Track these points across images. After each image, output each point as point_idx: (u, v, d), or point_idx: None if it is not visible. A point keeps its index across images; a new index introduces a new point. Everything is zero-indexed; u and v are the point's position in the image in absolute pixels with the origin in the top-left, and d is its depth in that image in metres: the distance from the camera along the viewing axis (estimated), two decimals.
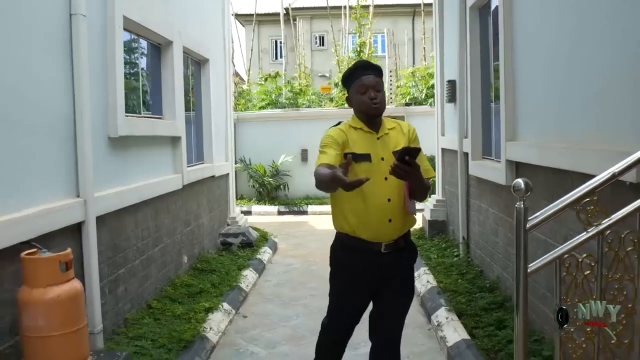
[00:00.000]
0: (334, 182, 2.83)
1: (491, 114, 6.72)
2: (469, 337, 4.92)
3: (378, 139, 3.33)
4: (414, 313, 6.05)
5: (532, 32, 4.98)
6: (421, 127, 14.66)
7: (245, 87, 20.80)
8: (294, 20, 28.43)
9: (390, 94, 17.79)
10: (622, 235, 2.95)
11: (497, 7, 5.90)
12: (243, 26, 31.45)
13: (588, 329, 3.03)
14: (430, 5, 10.78)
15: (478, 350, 4.65)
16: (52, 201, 4.12)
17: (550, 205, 2.91)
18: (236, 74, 24.67)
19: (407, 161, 2.89)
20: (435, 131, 9.85)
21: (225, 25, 10.01)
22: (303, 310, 6.38)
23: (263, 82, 18.41)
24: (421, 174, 3.12)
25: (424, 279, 6.83)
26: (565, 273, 2.98)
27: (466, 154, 7.39)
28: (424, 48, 21.51)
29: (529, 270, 2.92)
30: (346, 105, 12.51)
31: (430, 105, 13.83)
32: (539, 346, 4.29)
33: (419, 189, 3.23)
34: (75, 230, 4.45)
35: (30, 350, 3.43)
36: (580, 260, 2.98)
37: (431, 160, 10.25)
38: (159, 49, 6.75)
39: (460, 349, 4.74)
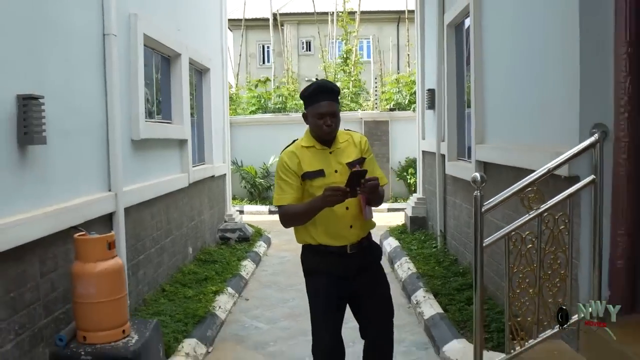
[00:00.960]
0: (332, 199, 3.20)
1: (465, 119, 7.56)
2: (442, 312, 5.76)
3: (330, 153, 3.51)
4: (396, 295, 6.83)
5: (496, 52, 5.83)
6: (404, 131, 15.43)
7: (233, 90, 21.47)
8: (282, 25, 29.18)
9: (376, 99, 18.60)
10: (556, 217, 3.80)
11: (469, 27, 6.74)
12: (231, 31, 32.09)
13: (530, 290, 3.88)
14: (414, 12, 11.59)
15: (450, 321, 5.48)
16: (92, 194, 4.91)
17: (501, 194, 3.75)
18: None
19: (361, 183, 3.19)
20: (417, 135, 10.68)
21: (223, 37, 10.83)
22: (298, 294, 7.14)
23: (253, 88, 19.14)
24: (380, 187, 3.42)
25: (405, 267, 7.66)
26: (512, 247, 3.81)
27: (443, 156, 8.23)
28: (408, 55, 22.32)
29: (484, 245, 3.74)
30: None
31: (413, 110, 14.61)
32: (500, 316, 5.11)
33: (375, 199, 3.47)
34: (107, 219, 5.22)
35: (82, 314, 4.18)
36: (523, 236, 3.82)
37: (413, 162, 11.07)
38: (168, 60, 7.54)
39: (435, 320, 5.57)
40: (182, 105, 7.63)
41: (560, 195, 3.79)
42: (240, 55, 25.14)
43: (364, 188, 3.22)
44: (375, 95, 18.91)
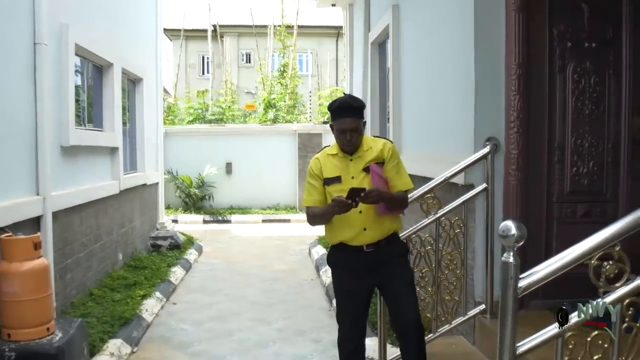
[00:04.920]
0: (337, 209, 3.42)
1: (387, 132, 7.96)
2: None
3: (351, 160, 3.65)
4: (319, 300, 7.23)
5: (411, 71, 6.25)
6: None
7: (171, 101, 21.52)
8: (222, 37, 29.32)
9: (310, 112, 19.02)
10: (452, 221, 4.18)
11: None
12: (171, 41, 31.93)
13: (429, 288, 4.25)
14: None
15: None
16: (19, 197, 5.05)
17: None
18: (163, 89, 25.35)
19: (363, 197, 3.35)
20: None
21: (158, 47, 10.97)
22: (225, 298, 7.41)
23: (191, 99, 19.28)
24: (385, 194, 3.51)
25: (329, 273, 7.95)
26: (412, 247, 4.18)
27: None
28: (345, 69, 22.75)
29: None
30: (268, 122, 13.57)
31: None
32: None
33: (390, 204, 3.57)
34: (35, 223, 5.36)
35: (7, 312, 4.33)
36: (423, 239, 4.19)
37: None
38: (101, 69, 7.69)
39: None
40: (114, 114, 7.79)
41: (456, 201, 4.20)
42: (179, 65, 25.18)
43: (363, 199, 3.37)
44: (310, 108, 19.32)
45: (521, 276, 2.09)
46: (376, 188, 3.45)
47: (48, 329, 4.47)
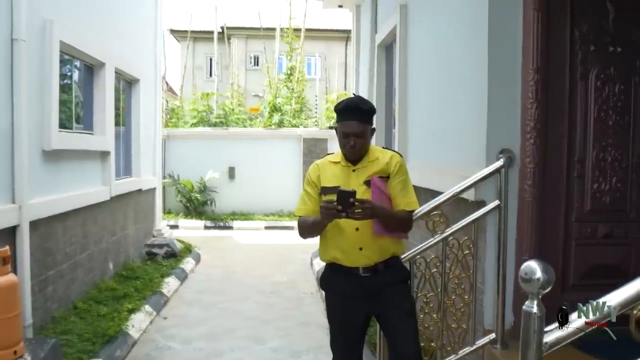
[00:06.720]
0: (325, 213, 3.05)
1: (392, 138, 7.55)
2: None
3: (353, 171, 3.31)
4: (318, 316, 6.79)
5: (418, 75, 5.85)
6: None
7: (177, 103, 21.13)
8: (229, 39, 28.95)
9: (317, 117, 18.64)
10: (461, 241, 3.76)
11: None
12: (178, 42, 31.68)
13: (434, 315, 3.84)
14: None
15: (367, 344, 5.39)
16: None
17: None
18: (170, 90, 25.05)
19: (352, 203, 2.98)
20: None
21: (157, 46, 10.58)
22: (220, 313, 6.99)
23: (195, 101, 18.90)
24: (381, 209, 3.15)
25: None
26: (416, 270, 3.77)
27: None
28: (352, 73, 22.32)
29: None
30: (273, 126, 13.12)
31: None
32: None
33: (387, 223, 3.22)
34: (10, 233, 4.97)
35: None
36: (428, 260, 3.78)
37: None
38: (92, 69, 7.31)
39: None
40: (105, 116, 7.40)
41: (465, 219, 3.78)
42: (185, 67, 24.82)
43: (353, 212, 3.00)
44: (316, 113, 18.93)
45: (547, 329, 1.67)
46: (369, 200, 3.09)
47: (15, 352, 4.09)
